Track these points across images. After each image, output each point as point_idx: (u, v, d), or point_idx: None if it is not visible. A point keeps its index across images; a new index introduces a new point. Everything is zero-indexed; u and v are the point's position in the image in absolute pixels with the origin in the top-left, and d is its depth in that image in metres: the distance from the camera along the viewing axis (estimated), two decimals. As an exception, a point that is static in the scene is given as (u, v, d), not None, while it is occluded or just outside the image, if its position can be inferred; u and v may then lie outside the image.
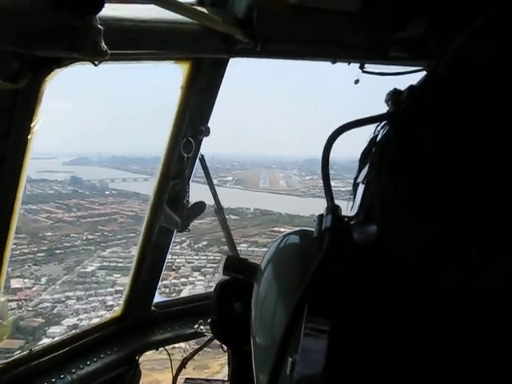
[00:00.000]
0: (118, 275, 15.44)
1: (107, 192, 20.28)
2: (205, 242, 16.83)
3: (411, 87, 1.20)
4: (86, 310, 14.06)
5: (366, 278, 1.15)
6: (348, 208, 1.31)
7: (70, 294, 14.77)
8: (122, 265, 15.85)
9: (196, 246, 16.76)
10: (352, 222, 1.25)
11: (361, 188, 1.31)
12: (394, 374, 1.10)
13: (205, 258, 16.41)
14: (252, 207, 19.97)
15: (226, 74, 3.40)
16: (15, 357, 3.33)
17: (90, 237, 17.34)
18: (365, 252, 1.17)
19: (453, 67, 1.09)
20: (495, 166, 0.98)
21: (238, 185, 21.59)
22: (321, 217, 1.19)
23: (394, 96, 1.22)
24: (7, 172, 2.61)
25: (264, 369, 1.26)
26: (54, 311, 13.78)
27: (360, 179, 1.31)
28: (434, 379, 1.06)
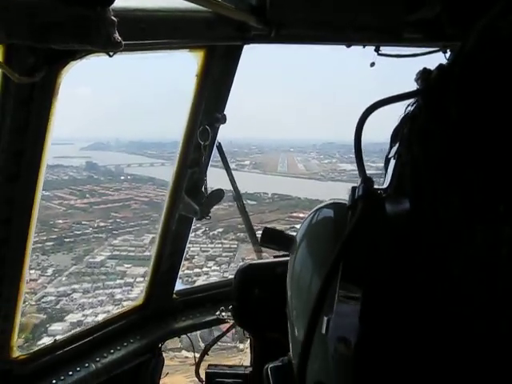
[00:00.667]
0: (129, 265, 14.78)
1: (122, 177, 19.85)
2: (220, 229, 16.14)
3: (441, 65, 1.23)
4: (92, 305, 13.42)
5: (398, 246, 1.17)
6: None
7: (76, 286, 14.19)
8: (132, 254, 15.19)
9: (211, 234, 16.01)
10: (384, 193, 1.28)
11: (392, 162, 1.34)
12: (425, 336, 1.12)
13: (220, 246, 15.72)
14: (270, 192, 19.38)
15: (241, 60, 3.40)
16: (39, 347, 3.38)
17: (101, 224, 16.84)
18: (397, 220, 1.20)
19: (479, 43, 1.11)
20: None
21: (256, 169, 21.20)
22: (354, 188, 1.22)
23: (424, 74, 1.25)
24: (26, 165, 2.63)
25: (300, 335, 1.30)
26: (58, 306, 13.22)
27: (391, 155, 1.34)
28: (466, 342, 1.08)
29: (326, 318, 1.11)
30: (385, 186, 1.35)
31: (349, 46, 3.26)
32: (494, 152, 1.04)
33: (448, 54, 3.37)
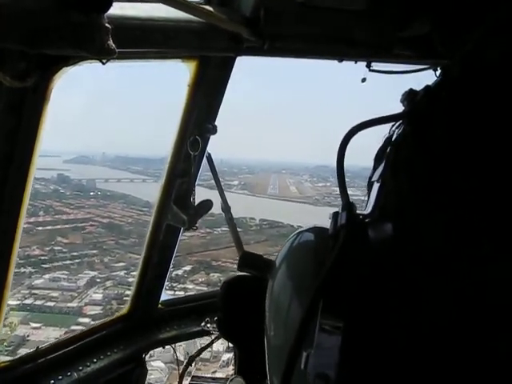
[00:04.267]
0: (38, 324, 10.23)
1: (92, 193, 17.55)
2: (188, 267, 12.14)
3: (427, 87, 1.22)
4: None
5: (380, 275, 1.16)
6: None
7: None
8: (52, 304, 10.78)
9: (174, 274, 10.98)
10: (367, 220, 1.27)
11: (375, 186, 1.33)
12: (407, 367, 1.12)
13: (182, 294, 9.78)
14: (258, 217, 16.80)
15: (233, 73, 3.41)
16: (21, 354, 3.34)
17: (35, 253, 13.14)
18: (379, 249, 1.19)
19: (466, 67, 1.11)
20: (510, 163, 1.00)
21: (245, 189, 19.86)
22: (336, 214, 1.21)
23: (410, 96, 1.24)
24: (15, 170, 2.62)
25: (277, 363, 1.28)
26: None
27: (375, 178, 1.33)
28: (448, 370, 1.07)
29: (305, 354, 1.11)
30: (368, 210, 1.34)
31: (341, 60, 3.29)
32: (483, 184, 1.04)
33: (438, 71, 3.40)
